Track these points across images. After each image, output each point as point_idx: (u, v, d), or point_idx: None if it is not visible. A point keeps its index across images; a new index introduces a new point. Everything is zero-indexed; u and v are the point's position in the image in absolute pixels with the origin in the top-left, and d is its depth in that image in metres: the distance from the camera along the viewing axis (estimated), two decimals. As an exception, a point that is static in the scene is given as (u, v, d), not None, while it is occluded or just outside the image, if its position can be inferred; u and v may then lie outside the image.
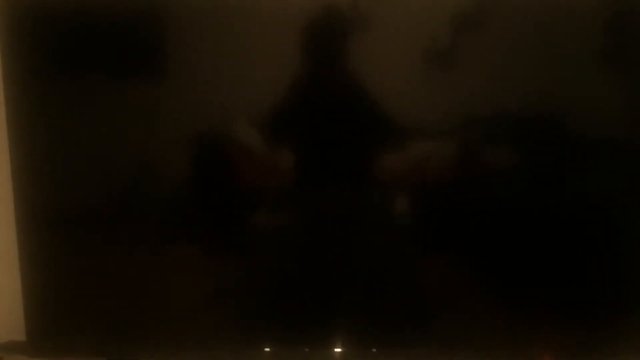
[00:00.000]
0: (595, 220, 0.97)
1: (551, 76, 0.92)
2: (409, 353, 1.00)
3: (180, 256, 0.99)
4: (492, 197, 0.96)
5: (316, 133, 0.95)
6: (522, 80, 0.92)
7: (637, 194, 0.95)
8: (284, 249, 0.99)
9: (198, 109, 0.94)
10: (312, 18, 0.90)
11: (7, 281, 1.03)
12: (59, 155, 0.96)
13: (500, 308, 1.01)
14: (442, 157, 0.95)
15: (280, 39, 0.91)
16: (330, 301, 1.00)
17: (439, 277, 0.99)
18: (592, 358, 1.01)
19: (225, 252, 1.01)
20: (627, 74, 0.92)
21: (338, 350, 1.00)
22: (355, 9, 0.90)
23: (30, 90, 0.94)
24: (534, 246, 0.97)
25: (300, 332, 1.01)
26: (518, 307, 1.00)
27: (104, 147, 0.96)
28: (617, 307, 0.99)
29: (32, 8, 0.92)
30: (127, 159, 0.96)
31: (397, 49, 0.91)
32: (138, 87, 0.94)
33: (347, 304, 1.00)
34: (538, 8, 0.89)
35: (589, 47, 0.91)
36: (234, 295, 1.01)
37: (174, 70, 0.94)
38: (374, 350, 1.00)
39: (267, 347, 1.01)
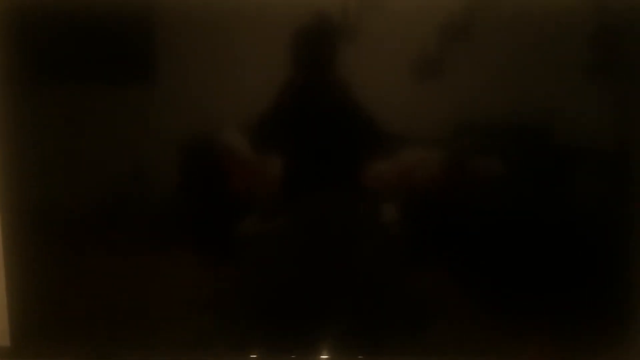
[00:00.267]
0: (585, 228, 0.97)
1: (539, 85, 0.92)
2: (395, 361, 1.00)
3: (167, 262, 0.99)
4: (482, 206, 0.97)
5: (306, 141, 0.95)
6: (510, 89, 0.93)
7: (627, 203, 0.96)
8: (272, 256, 0.99)
9: (188, 115, 0.94)
10: (302, 26, 0.91)
11: (-8, 285, 1.02)
12: (45, 158, 0.96)
13: (489, 316, 1.01)
14: (431, 165, 0.95)
15: (270, 47, 0.91)
16: (317, 308, 1.00)
17: (427, 284, 0.99)
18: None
19: (213, 258, 1.00)
20: (616, 84, 0.93)
21: (325, 357, 0.99)
22: (345, 17, 0.90)
23: (19, 92, 0.94)
24: (524, 253, 0.97)
25: (287, 339, 1.01)
26: (508, 315, 1.01)
27: (92, 151, 0.95)
28: (609, 315, 0.99)
29: (24, 12, 0.92)
30: (116, 164, 0.96)
31: (386, 57, 0.92)
32: (128, 93, 0.94)
33: (334, 312, 1.00)
34: (527, 18, 0.90)
35: (578, 57, 0.92)
36: (221, 301, 1.00)
37: (165, 77, 0.94)
38: (361, 357, 1.00)
39: (254, 354, 1.00)
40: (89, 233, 0.98)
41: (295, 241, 0.98)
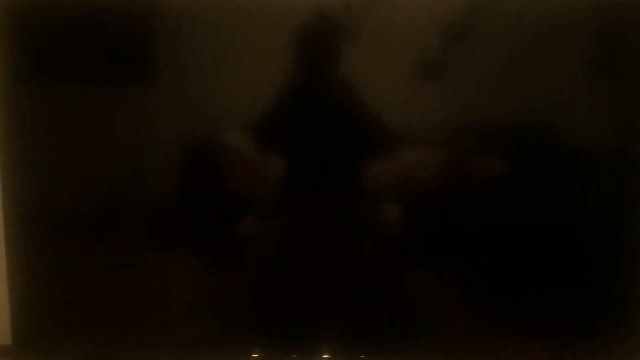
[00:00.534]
0: (585, 229, 0.97)
1: (541, 86, 0.92)
2: (396, 360, 1.00)
3: (169, 261, 0.99)
4: (483, 206, 0.97)
5: (307, 140, 0.95)
6: (511, 89, 0.93)
7: (627, 203, 0.96)
8: (273, 256, 0.99)
9: (190, 115, 0.94)
10: (304, 25, 0.91)
11: (-6, 284, 1.03)
12: (47, 159, 0.96)
13: (490, 316, 1.01)
14: (432, 165, 0.95)
15: (272, 46, 0.91)
16: (319, 308, 1.00)
17: (428, 285, 0.99)
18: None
19: (215, 258, 1.00)
20: (618, 84, 0.93)
21: (326, 357, 0.99)
22: (348, 16, 0.90)
23: (20, 93, 0.94)
24: (525, 254, 0.97)
25: (288, 338, 1.01)
26: (509, 315, 1.01)
27: (93, 152, 0.96)
28: (609, 315, 0.99)
29: (25, 12, 0.92)
30: (116, 164, 0.96)
31: (388, 57, 0.92)
32: (129, 93, 0.94)
33: (335, 311, 1.00)
34: (528, 18, 0.90)
35: (580, 58, 0.91)
36: (222, 301, 1.00)
37: (166, 77, 0.94)
38: (362, 357, 1.00)
39: (256, 353, 1.00)
40: (90, 233, 0.98)
41: (297, 241, 0.98)
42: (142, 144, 0.95)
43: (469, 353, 1.00)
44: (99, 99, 0.94)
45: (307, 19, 0.90)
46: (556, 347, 1.00)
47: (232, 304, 1.01)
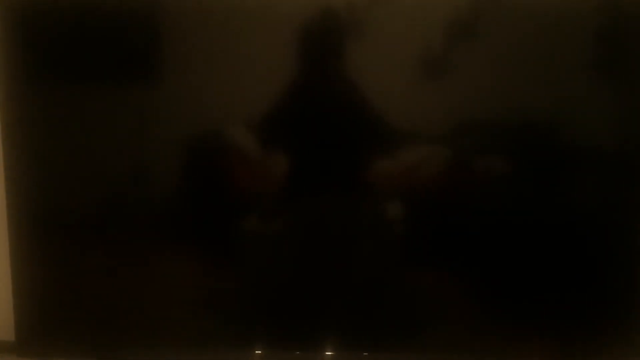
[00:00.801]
0: (588, 228, 0.97)
1: (544, 84, 0.92)
2: (399, 358, 1.00)
3: (172, 259, 0.99)
4: (485, 205, 0.97)
5: (310, 138, 0.95)
6: (514, 88, 0.93)
7: (630, 202, 0.96)
8: (276, 253, 0.99)
9: (191, 113, 0.94)
10: (308, 23, 0.91)
11: (-3, 280, 1.03)
12: (51, 157, 0.96)
13: (491, 314, 1.01)
14: (435, 164, 0.95)
15: (275, 43, 0.91)
16: (322, 305, 1.00)
17: (431, 283, 1.00)
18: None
19: (218, 255, 1.00)
20: (621, 83, 0.93)
21: (329, 353, 1.00)
22: (351, 14, 0.90)
23: (23, 92, 0.94)
24: (528, 253, 0.97)
25: (291, 335, 1.01)
26: (510, 314, 1.01)
27: (96, 149, 0.95)
28: (610, 315, 0.99)
29: (26, 11, 0.91)
30: (119, 162, 0.96)
31: (392, 55, 0.91)
32: (132, 91, 0.93)
33: (338, 308, 1.00)
34: (532, 16, 0.90)
35: (584, 56, 0.91)
36: (225, 298, 1.00)
37: (169, 75, 0.94)
38: (365, 354, 1.00)
39: (259, 350, 1.01)
40: (93, 231, 0.98)
41: (300, 239, 0.98)
42: (144, 143, 0.95)
43: (470, 351, 1.00)
44: (101, 98, 0.93)
45: (311, 17, 0.90)
46: (556, 347, 1.01)
47: (235, 301, 1.01)
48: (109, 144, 0.95)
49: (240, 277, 1.00)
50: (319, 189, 0.97)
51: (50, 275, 1.00)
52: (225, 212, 0.98)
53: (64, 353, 1.01)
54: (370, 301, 1.00)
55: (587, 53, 0.91)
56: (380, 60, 0.92)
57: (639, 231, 0.96)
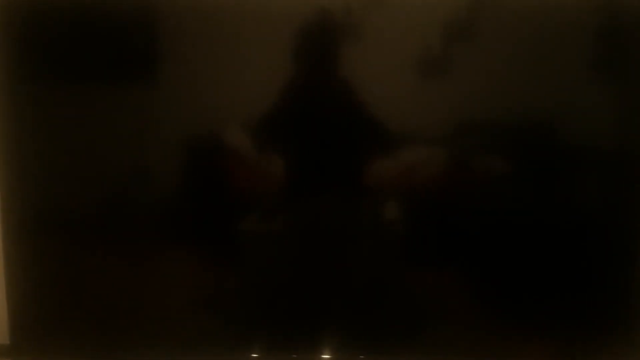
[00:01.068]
0: (588, 229, 0.97)
1: (543, 85, 0.92)
2: (397, 361, 1.00)
3: (169, 261, 0.98)
4: (484, 205, 0.96)
5: (309, 139, 0.95)
6: (513, 88, 0.93)
7: (630, 203, 0.96)
8: (274, 255, 0.99)
9: (190, 114, 0.94)
10: (306, 24, 0.91)
11: (-9, 283, 1.02)
12: (46, 158, 0.95)
13: (491, 316, 1.01)
14: (435, 164, 0.95)
15: (273, 45, 0.91)
16: (318, 308, 1.00)
17: (429, 284, 0.99)
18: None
19: (216, 257, 1.00)
20: (620, 83, 0.93)
21: (326, 357, 0.99)
22: (349, 15, 0.90)
23: (20, 92, 0.94)
24: (527, 254, 0.97)
25: (288, 338, 1.01)
26: (508, 317, 1.01)
27: (93, 151, 0.95)
28: (608, 316, 0.99)
29: (26, 10, 0.91)
30: (118, 163, 0.96)
31: (389, 55, 0.91)
32: (130, 91, 0.93)
33: (336, 311, 1.00)
34: (530, 17, 0.90)
35: (582, 56, 0.91)
36: (222, 300, 1.00)
37: (167, 76, 0.93)
38: (362, 357, 1.00)
39: (255, 353, 1.00)
40: (89, 232, 0.98)
41: (298, 240, 0.98)
42: (143, 143, 0.95)
43: (469, 353, 1.00)
44: (100, 98, 0.93)
45: (309, 18, 0.90)
46: (557, 348, 1.00)
47: (232, 303, 1.00)
48: (107, 144, 0.95)
49: (238, 279, 1.00)
50: (318, 190, 0.97)
51: (45, 278, 0.99)
52: (223, 213, 0.98)
53: (59, 356, 1.01)
54: (367, 303, 0.99)
55: (586, 53, 0.91)
56: (379, 61, 0.91)
57: (639, 231, 0.96)
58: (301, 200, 0.97)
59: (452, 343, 1.00)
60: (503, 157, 0.95)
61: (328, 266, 0.98)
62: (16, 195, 0.96)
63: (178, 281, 0.99)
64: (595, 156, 0.94)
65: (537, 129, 0.95)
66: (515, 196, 0.96)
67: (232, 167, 0.97)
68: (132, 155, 0.95)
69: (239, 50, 0.91)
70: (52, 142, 0.95)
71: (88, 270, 0.99)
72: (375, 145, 0.95)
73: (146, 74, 0.93)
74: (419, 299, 1.00)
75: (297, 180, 0.96)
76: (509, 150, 0.95)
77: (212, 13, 0.90)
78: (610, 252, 0.97)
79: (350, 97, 0.92)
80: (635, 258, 0.97)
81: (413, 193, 0.97)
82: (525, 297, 0.99)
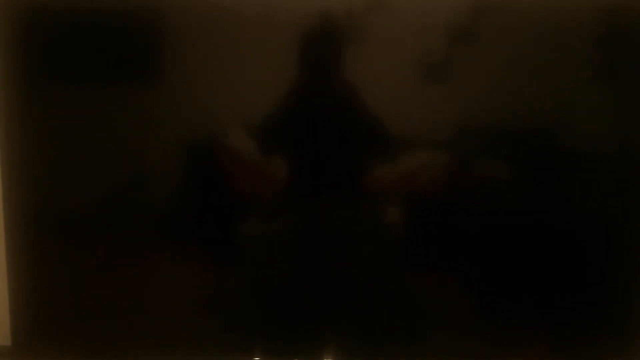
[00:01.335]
0: (589, 232, 0.97)
1: (544, 89, 0.92)
2: (399, 365, 1.00)
3: (169, 263, 0.98)
4: (485, 210, 0.96)
5: (310, 142, 0.95)
6: (515, 92, 0.93)
7: (630, 207, 0.95)
8: (275, 259, 0.99)
9: (192, 116, 0.94)
10: (307, 27, 0.91)
11: (-6, 285, 1.02)
12: (48, 158, 0.96)
13: (493, 320, 1.00)
14: (436, 168, 0.95)
15: (275, 48, 0.91)
16: (321, 312, 1.00)
17: (431, 289, 0.99)
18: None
19: (216, 260, 1.00)
20: (621, 87, 0.93)
21: (327, 361, 0.99)
22: (351, 18, 0.90)
23: (21, 92, 0.94)
24: (527, 258, 0.97)
25: (290, 342, 1.00)
26: (511, 321, 1.00)
27: (96, 152, 0.95)
28: (610, 319, 0.99)
29: (27, 11, 0.92)
30: (118, 164, 0.96)
31: (391, 59, 0.92)
32: (131, 93, 0.94)
33: (338, 316, 1.00)
34: (532, 21, 0.90)
35: (584, 61, 0.91)
36: (224, 304, 1.00)
37: (168, 78, 0.94)
38: (363, 361, 0.99)
39: (256, 357, 1.00)
40: (91, 234, 0.98)
41: (299, 244, 0.98)
42: (144, 145, 0.95)
43: (472, 357, 0.99)
44: (102, 99, 0.94)
45: (311, 21, 0.90)
46: (558, 351, 1.00)
47: (233, 307, 1.00)
48: (108, 145, 0.95)
49: (239, 282, 1.00)
50: (320, 193, 0.97)
51: (46, 280, 0.99)
52: (224, 216, 0.98)
53: (61, 358, 1.00)
54: (369, 308, 0.99)
55: (588, 57, 0.91)
56: (381, 64, 0.92)
57: (638, 234, 0.95)
58: (303, 203, 0.97)
59: (454, 347, 0.99)
60: (505, 161, 0.95)
61: (330, 270, 0.98)
62: (18, 197, 0.97)
63: (180, 283, 0.99)
64: (597, 161, 0.94)
65: (539, 133, 0.95)
66: (517, 200, 0.96)
67: (234, 169, 0.97)
68: (133, 157, 0.96)
69: (241, 52, 0.92)
70: (55, 144, 0.95)
71: (89, 272, 0.99)
72: (377, 149, 0.95)
73: (147, 75, 0.94)
74: (421, 302, 1.00)
75: (298, 183, 0.96)
76: (511, 154, 0.95)
77: (214, 15, 0.91)
78: (612, 256, 0.97)
79: (352, 100, 0.93)
80: (636, 263, 0.96)
81: (415, 197, 0.97)
82: (527, 301, 0.98)
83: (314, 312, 0.99)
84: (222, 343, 1.00)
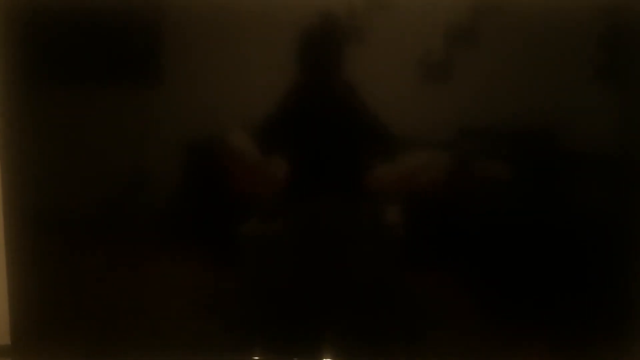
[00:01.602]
0: (588, 233, 0.97)
1: (544, 89, 0.92)
2: (399, 365, 0.99)
3: (169, 263, 0.98)
4: (485, 210, 0.96)
5: (310, 142, 0.95)
6: (515, 93, 0.93)
7: (631, 208, 0.95)
8: (275, 259, 0.99)
9: (192, 116, 0.94)
10: (308, 28, 0.91)
11: (-7, 284, 1.02)
12: (48, 159, 0.96)
13: (493, 320, 1.00)
14: (436, 168, 0.95)
15: (275, 48, 0.92)
16: (320, 312, 1.00)
17: (431, 289, 0.99)
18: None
19: (217, 260, 1.00)
20: (622, 88, 0.93)
21: (327, 360, 0.99)
22: (352, 19, 0.91)
23: (21, 92, 0.94)
24: (527, 258, 0.97)
25: (289, 342, 1.00)
26: (511, 321, 1.00)
27: (96, 152, 0.95)
28: (607, 325, 0.99)
29: (28, 11, 0.92)
30: (118, 165, 0.96)
31: (392, 60, 0.92)
32: (131, 93, 0.94)
33: (338, 316, 1.00)
34: (532, 22, 0.90)
35: (585, 61, 0.91)
36: (223, 303, 1.00)
37: (169, 78, 0.94)
38: (363, 361, 0.99)
39: (256, 357, 1.00)
40: (91, 233, 0.98)
41: (300, 244, 0.98)
42: (145, 145, 0.95)
43: (471, 357, 0.99)
44: (101, 99, 0.94)
45: (311, 21, 0.91)
46: (558, 351, 1.00)
47: (233, 307, 1.00)
48: (108, 146, 0.95)
49: (239, 282, 1.00)
50: (321, 193, 0.97)
51: (46, 279, 0.99)
52: (224, 216, 0.98)
53: (60, 357, 1.00)
54: (369, 307, 0.99)
55: (589, 58, 0.91)
56: (381, 65, 0.92)
57: (638, 234, 0.95)
58: (303, 203, 0.97)
59: (454, 347, 0.99)
60: (505, 161, 0.95)
61: (330, 270, 0.98)
62: (18, 197, 0.97)
63: (179, 283, 0.99)
64: (597, 161, 0.94)
65: (539, 133, 0.95)
66: (517, 200, 0.96)
67: (234, 169, 0.97)
68: (134, 158, 0.96)
69: (241, 52, 0.92)
70: (55, 144, 0.95)
71: (89, 271, 0.99)
72: (377, 149, 0.95)
73: (148, 75, 0.94)
74: (421, 303, 1.00)
75: (299, 183, 0.96)
76: (511, 154, 0.95)
77: (214, 15, 0.91)
78: (612, 256, 0.97)
79: (352, 100, 0.93)
80: (636, 263, 0.96)
81: (415, 197, 0.97)
82: (527, 301, 0.98)
83: (314, 312, 0.99)
84: (222, 343, 1.00)
